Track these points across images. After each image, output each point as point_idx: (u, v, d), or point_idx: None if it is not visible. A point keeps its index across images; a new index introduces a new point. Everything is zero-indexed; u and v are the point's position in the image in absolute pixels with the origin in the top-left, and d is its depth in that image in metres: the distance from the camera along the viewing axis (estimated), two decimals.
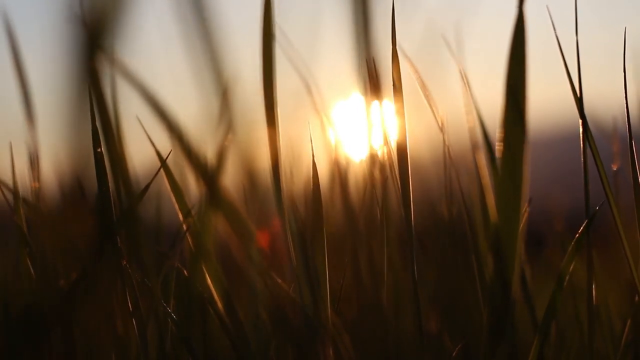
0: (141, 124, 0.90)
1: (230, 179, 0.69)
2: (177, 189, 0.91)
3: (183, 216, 0.89)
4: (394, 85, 0.83)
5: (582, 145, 0.88)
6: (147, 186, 0.89)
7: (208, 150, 0.67)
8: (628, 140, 0.88)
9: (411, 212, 0.83)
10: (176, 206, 0.90)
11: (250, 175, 0.65)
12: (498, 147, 0.79)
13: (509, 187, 0.79)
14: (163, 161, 0.90)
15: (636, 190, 0.88)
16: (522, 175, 0.79)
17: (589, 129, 0.88)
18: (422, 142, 0.87)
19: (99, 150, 0.78)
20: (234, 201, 0.68)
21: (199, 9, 0.57)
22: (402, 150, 0.83)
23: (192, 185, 0.92)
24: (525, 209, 0.82)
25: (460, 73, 0.91)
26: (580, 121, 0.88)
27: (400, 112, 0.83)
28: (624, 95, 0.88)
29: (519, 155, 0.79)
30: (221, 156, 0.68)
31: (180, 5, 0.57)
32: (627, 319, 0.96)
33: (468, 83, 0.91)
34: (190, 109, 0.65)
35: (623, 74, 0.87)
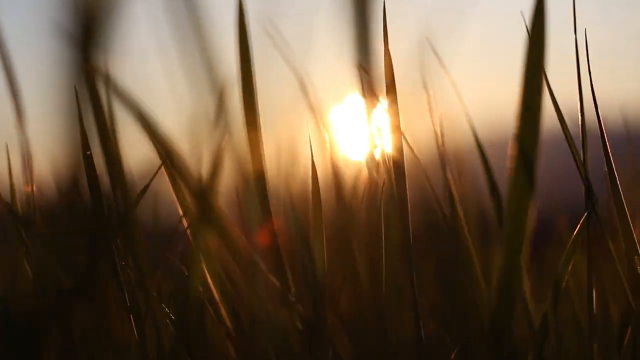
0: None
1: (226, 182, 0.69)
2: (178, 189, 0.90)
3: (184, 216, 0.89)
4: (387, 85, 0.82)
5: (582, 144, 0.88)
6: (145, 188, 0.89)
7: (202, 159, 0.66)
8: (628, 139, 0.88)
9: (408, 212, 0.83)
10: (177, 206, 0.90)
11: (245, 178, 0.65)
12: (511, 144, 0.79)
13: (520, 186, 0.79)
14: (168, 168, 0.89)
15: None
16: (533, 174, 0.79)
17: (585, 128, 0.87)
18: (418, 143, 0.86)
19: (88, 152, 0.78)
20: (227, 220, 0.68)
21: (191, 10, 0.57)
22: (398, 151, 0.83)
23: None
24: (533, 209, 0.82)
25: (455, 74, 0.91)
26: (579, 120, 0.87)
27: (395, 113, 0.83)
28: (624, 94, 0.87)
29: (531, 153, 0.78)
30: (214, 171, 0.67)
31: (173, 6, 0.57)
32: (628, 318, 0.96)
33: (456, 84, 0.91)
34: (186, 111, 0.65)
35: (624, 72, 0.86)
